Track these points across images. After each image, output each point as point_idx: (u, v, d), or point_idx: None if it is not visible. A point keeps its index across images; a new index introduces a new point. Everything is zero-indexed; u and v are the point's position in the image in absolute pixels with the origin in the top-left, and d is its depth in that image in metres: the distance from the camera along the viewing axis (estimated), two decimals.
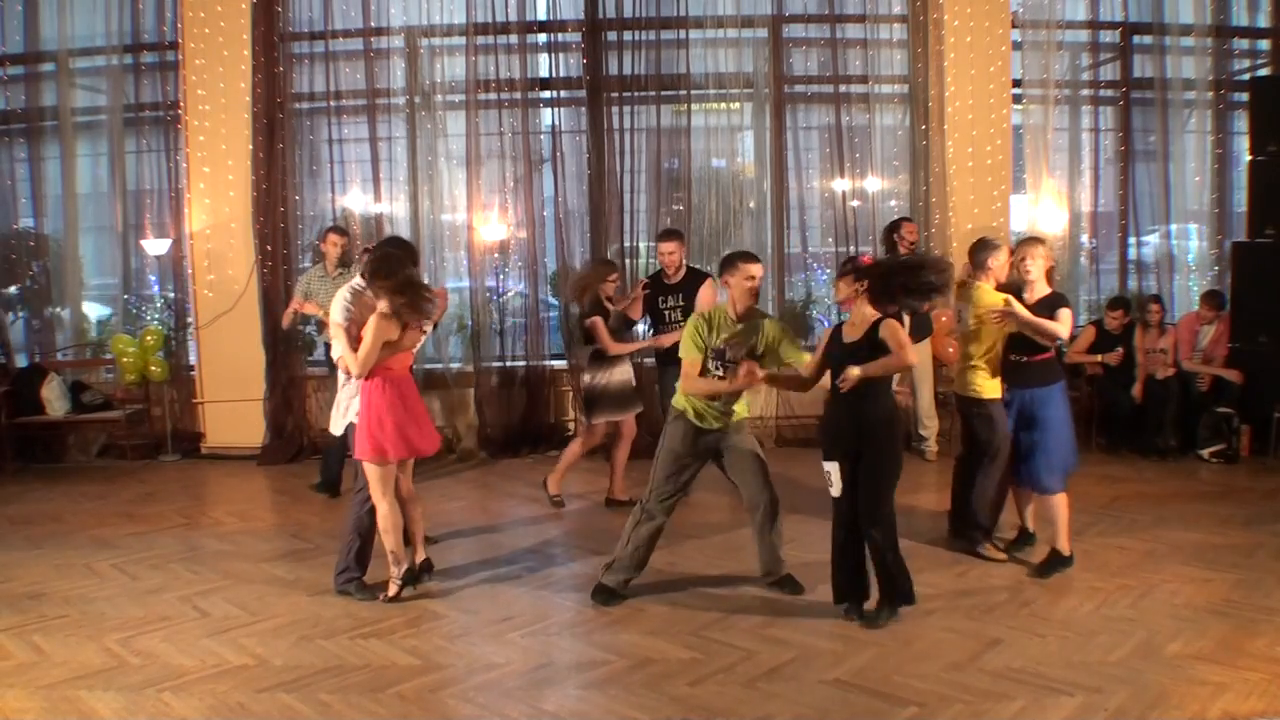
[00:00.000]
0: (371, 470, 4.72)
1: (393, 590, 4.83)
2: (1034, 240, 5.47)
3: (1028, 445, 5.12)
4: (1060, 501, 5.05)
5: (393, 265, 4.67)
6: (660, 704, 3.80)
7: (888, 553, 4.39)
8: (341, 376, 5.02)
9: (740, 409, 4.86)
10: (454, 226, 8.49)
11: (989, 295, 5.16)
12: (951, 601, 4.71)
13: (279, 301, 7.94)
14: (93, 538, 6.07)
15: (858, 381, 4.24)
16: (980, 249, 5.30)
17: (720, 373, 4.68)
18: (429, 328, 5.08)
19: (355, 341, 4.71)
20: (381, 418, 4.68)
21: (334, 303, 4.94)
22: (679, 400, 4.82)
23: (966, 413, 5.32)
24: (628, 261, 8.23)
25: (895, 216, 7.89)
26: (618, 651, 4.27)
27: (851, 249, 8.31)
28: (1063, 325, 5.06)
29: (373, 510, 4.84)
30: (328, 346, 6.16)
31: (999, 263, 5.23)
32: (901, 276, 4.35)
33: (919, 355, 7.39)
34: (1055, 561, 5.05)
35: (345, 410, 5.01)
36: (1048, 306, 5.10)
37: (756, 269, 4.73)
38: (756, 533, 4.89)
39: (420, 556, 5.10)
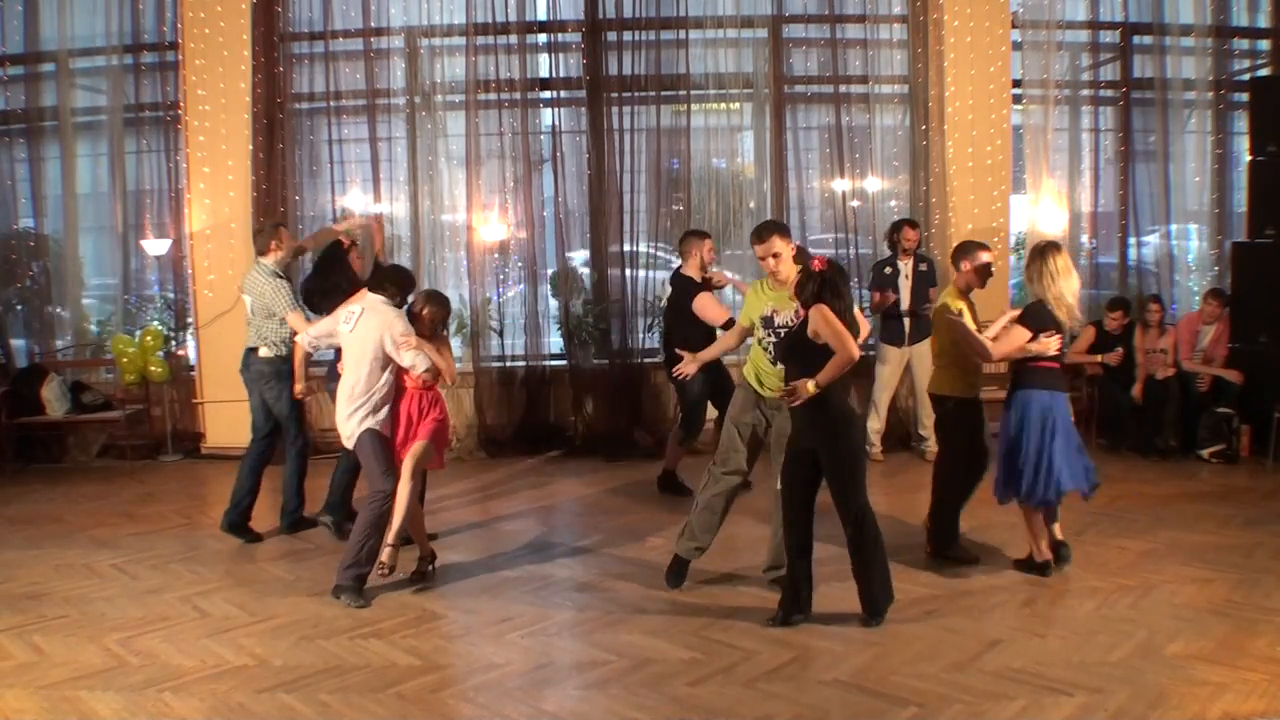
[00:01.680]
0: (424, 452, 4.99)
1: (386, 556, 4.91)
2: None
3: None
4: (1027, 513, 5.01)
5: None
6: (660, 704, 3.80)
7: (865, 552, 4.40)
8: (357, 388, 4.97)
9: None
10: (454, 226, 8.48)
11: (944, 295, 5.27)
12: (951, 601, 4.72)
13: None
14: (93, 538, 6.07)
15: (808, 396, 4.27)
16: (956, 252, 5.35)
17: (773, 339, 4.74)
18: None
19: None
20: (445, 414, 5.14)
21: (395, 320, 4.98)
22: (746, 368, 4.96)
23: (938, 411, 5.45)
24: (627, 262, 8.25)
25: (897, 217, 7.88)
26: (618, 651, 4.27)
27: (851, 249, 8.32)
28: (1003, 343, 4.90)
29: (389, 510, 4.90)
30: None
31: (971, 264, 5.22)
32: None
33: (919, 355, 7.48)
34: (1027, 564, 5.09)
35: (363, 420, 4.97)
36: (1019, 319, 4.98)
37: (770, 245, 4.70)
38: (776, 524, 4.86)
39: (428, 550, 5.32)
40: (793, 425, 4.51)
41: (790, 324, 4.72)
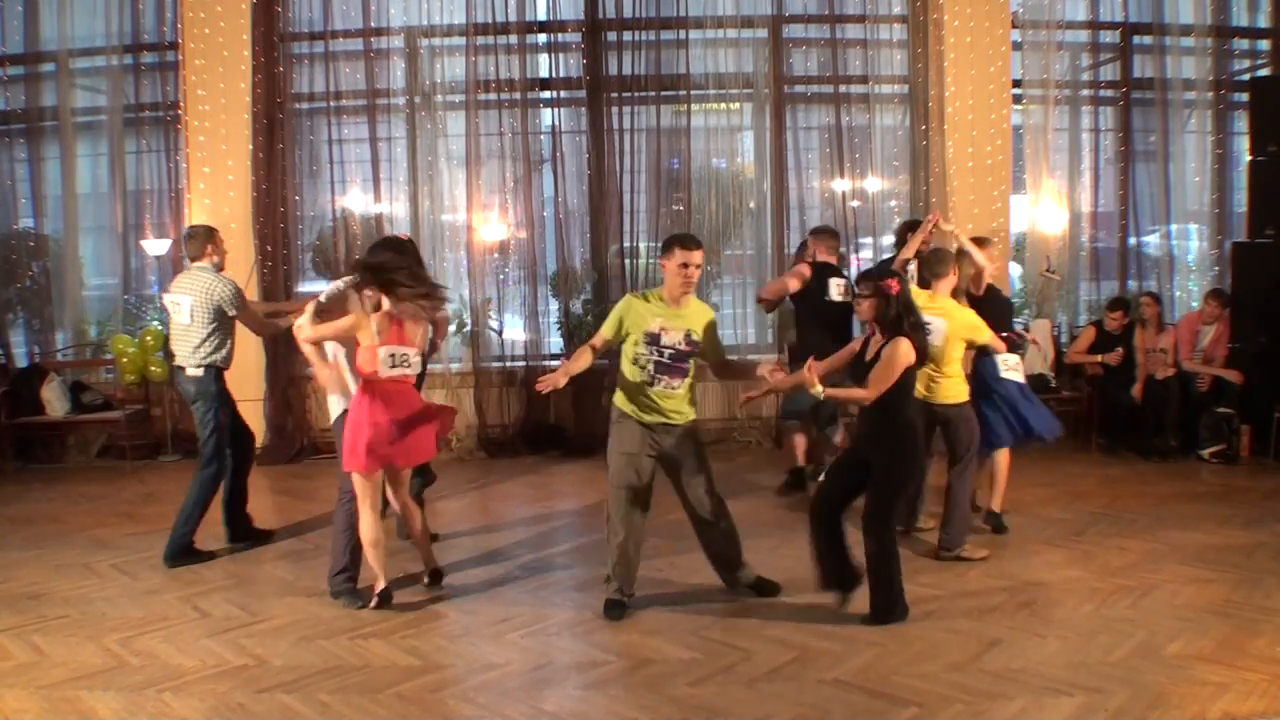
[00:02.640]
0: (355, 480, 4.66)
1: (373, 603, 4.72)
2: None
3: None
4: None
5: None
6: (660, 704, 3.79)
7: (881, 566, 4.44)
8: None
9: (686, 409, 4.67)
10: (454, 227, 8.49)
11: (964, 310, 5.36)
12: (951, 601, 4.72)
13: (278, 302, 7.96)
14: (92, 538, 6.07)
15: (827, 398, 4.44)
16: (943, 260, 5.41)
17: (655, 357, 4.53)
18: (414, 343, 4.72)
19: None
20: (360, 429, 4.58)
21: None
22: (618, 399, 4.67)
23: (945, 419, 5.40)
24: (627, 262, 8.24)
25: (910, 218, 7.81)
26: (618, 651, 4.27)
27: (852, 249, 8.31)
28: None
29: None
30: None
31: (958, 269, 5.47)
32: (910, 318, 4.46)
33: None
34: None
35: (339, 400, 4.96)
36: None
37: (695, 255, 4.52)
38: (708, 542, 4.78)
39: (432, 565, 5.11)
40: (858, 430, 4.66)
41: (678, 345, 4.54)
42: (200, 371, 5.55)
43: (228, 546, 5.74)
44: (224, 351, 5.62)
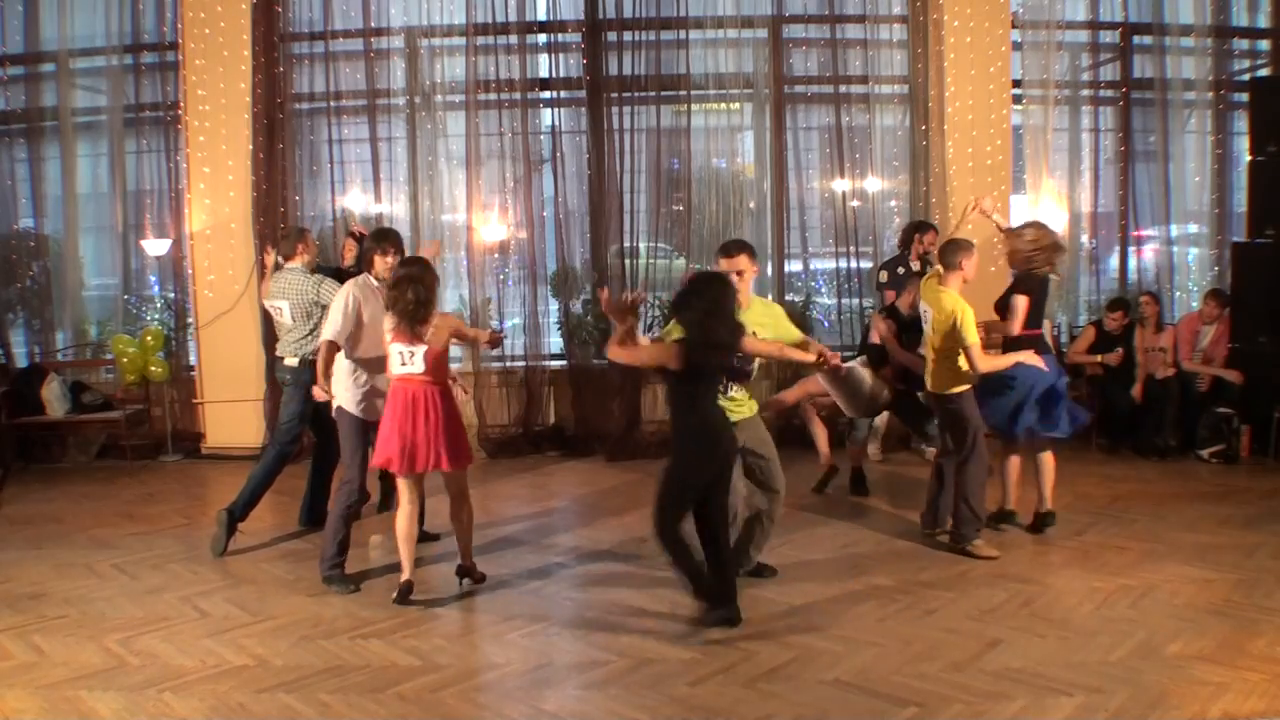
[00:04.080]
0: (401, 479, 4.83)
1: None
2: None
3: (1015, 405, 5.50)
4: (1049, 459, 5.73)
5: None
6: (660, 704, 3.79)
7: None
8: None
9: (751, 404, 4.84)
10: (454, 227, 8.49)
11: (952, 299, 5.24)
12: (951, 601, 4.72)
13: None
14: (93, 538, 6.07)
15: None
16: (954, 250, 5.34)
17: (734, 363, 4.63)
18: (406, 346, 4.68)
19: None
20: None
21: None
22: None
23: (937, 408, 5.45)
24: (627, 262, 8.24)
25: (914, 219, 7.79)
26: (618, 651, 4.27)
27: (852, 250, 8.32)
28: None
29: (359, 501, 5.11)
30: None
31: (971, 262, 5.33)
32: None
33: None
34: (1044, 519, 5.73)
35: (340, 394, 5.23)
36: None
37: (728, 263, 4.63)
38: (756, 519, 4.88)
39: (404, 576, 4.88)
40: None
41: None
42: (296, 361, 5.78)
43: (300, 529, 6.13)
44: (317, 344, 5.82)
